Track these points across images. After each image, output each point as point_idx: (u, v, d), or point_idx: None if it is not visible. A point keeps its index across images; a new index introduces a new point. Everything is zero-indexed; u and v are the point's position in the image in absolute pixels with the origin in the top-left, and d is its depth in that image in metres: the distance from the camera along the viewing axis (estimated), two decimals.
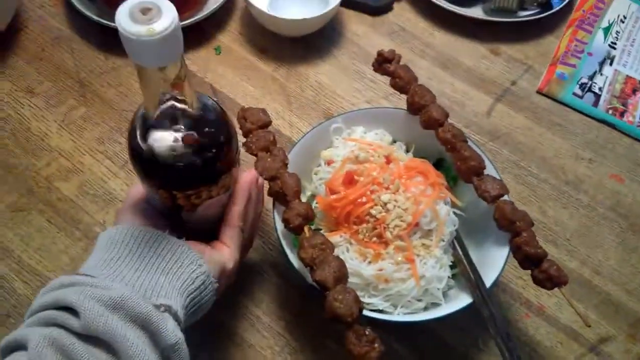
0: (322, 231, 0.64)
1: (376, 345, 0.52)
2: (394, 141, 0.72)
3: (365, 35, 0.93)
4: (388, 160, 0.66)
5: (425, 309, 0.61)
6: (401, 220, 0.60)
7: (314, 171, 0.69)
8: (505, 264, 0.60)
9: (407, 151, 0.70)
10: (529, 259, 0.58)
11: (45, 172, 0.75)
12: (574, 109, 0.87)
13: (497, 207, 0.61)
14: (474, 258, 0.63)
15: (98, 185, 0.75)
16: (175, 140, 0.46)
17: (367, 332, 0.53)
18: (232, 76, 0.86)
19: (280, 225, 0.60)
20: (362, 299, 0.58)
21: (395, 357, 0.65)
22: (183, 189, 0.50)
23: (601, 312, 0.70)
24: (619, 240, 0.76)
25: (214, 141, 0.49)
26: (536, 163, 0.82)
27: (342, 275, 0.55)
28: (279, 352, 0.65)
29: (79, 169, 0.76)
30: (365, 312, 0.56)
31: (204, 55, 0.88)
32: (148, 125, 0.46)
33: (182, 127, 0.46)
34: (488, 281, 0.59)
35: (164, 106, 0.44)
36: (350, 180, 0.63)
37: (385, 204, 0.61)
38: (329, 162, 0.67)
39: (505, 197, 0.62)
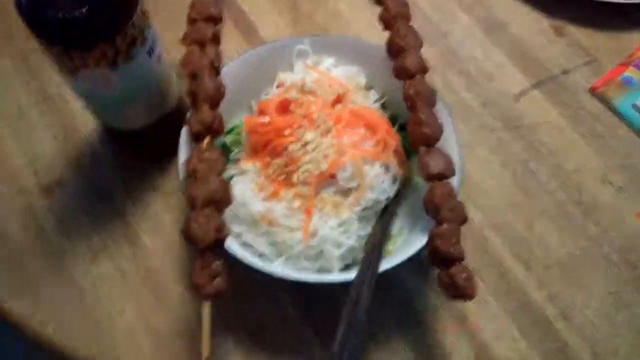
0: (238, 154, 0.57)
1: (216, 280, 0.45)
2: (370, 87, 0.61)
3: None
4: (338, 99, 0.56)
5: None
6: (315, 166, 0.51)
7: (264, 92, 0.61)
8: (414, 254, 0.49)
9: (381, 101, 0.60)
10: (439, 255, 0.46)
11: None
12: (626, 123, 0.69)
13: (430, 188, 0.49)
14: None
15: None
16: None
17: (214, 265, 0.46)
18: None
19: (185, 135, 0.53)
20: (247, 238, 0.51)
21: (288, 319, 0.57)
22: (69, 45, 0.45)
23: None
24: (611, 290, 0.60)
25: None
26: (549, 170, 0.67)
27: (217, 198, 0.48)
28: None
29: None
30: (236, 252, 0.49)
31: None
32: None
33: None
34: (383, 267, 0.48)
35: None
36: (284, 109, 0.55)
37: (307, 143, 0.52)
38: (279, 85, 0.59)
39: (450, 181, 0.50)
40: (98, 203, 0.63)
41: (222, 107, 0.55)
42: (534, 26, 0.77)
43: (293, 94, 0.56)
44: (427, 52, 0.58)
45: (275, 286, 0.56)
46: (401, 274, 0.58)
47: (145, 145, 0.63)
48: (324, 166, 0.51)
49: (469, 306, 0.58)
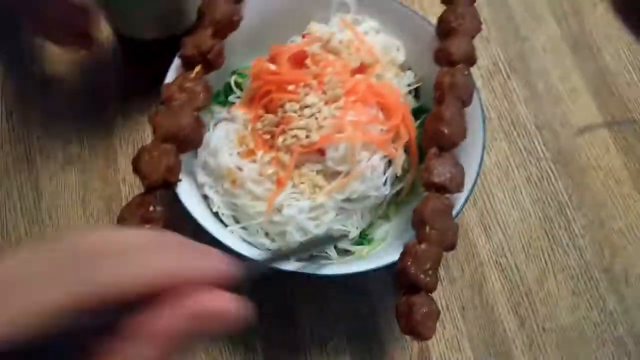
0: (234, 98, 0.51)
1: (147, 227, 0.40)
2: (408, 68, 0.53)
3: None
4: (360, 69, 0.48)
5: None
6: (305, 135, 0.44)
7: (290, 39, 0.54)
8: (383, 266, 0.42)
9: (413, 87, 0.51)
10: (404, 277, 0.38)
11: None
12: None
13: (425, 198, 0.41)
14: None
15: None
16: None
17: (152, 208, 0.40)
18: None
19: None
20: (208, 192, 0.45)
21: None
22: None
23: None
24: None
25: None
26: (587, 223, 0.56)
27: (182, 135, 0.42)
28: None
29: None
30: (186, 202, 0.43)
31: None
32: None
33: None
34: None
35: None
36: (298, 62, 0.48)
37: (306, 106, 0.45)
38: (305, 35, 0.51)
39: (451, 197, 0.42)
40: (89, 107, 0.58)
41: (237, 43, 0.49)
42: (630, 59, 0.65)
43: (314, 48, 0.48)
44: (495, 50, 0.49)
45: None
46: (368, 283, 0.51)
47: (153, 62, 0.58)
48: (315, 137, 0.43)
49: (437, 343, 0.50)
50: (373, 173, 0.45)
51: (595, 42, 0.66)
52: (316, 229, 0.44)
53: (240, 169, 0.44)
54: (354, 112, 0.45)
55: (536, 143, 0.60)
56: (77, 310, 0.20)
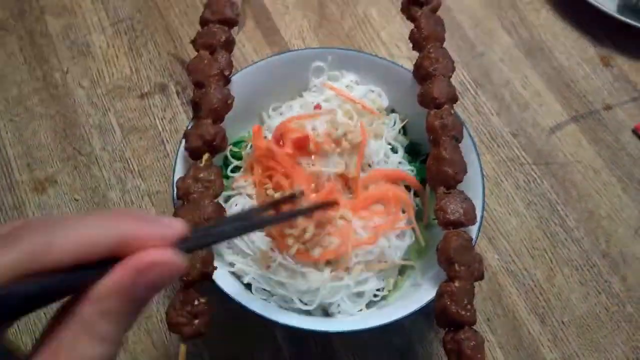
0: (236, 170, 0.53)
1: (197, 321, 0.41)
2: (392, 110, 0.56)
3: None
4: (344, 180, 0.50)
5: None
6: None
7: (273, 106, 0.56)
8: (420, 309, 0.44)
9: (400, 126, 0.55)
10: (447, 316, 0.42)
11: (43, 0, 0.70)
12: None
13: (445, 237, 0.44)
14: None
15: (81, 33, 0.68)
16: None
17: (197, 302, 0.42)
18: None
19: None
20: (241, 267, 0.47)
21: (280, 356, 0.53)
22: None
23: None
24: (632, 358, 0.55)
25: None
26: (578, 215, 0.61)
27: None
28: None
29: (73, 10, 0.70)
30: (229, 291, 0.44)
31: None
32: None
33: None
34: (386, 319, 0.44)
35: None
36: (302, 146, 0.49)
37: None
38: (317, 106, 0.53)
39: (468, 230, 0.45)
40: (91, 204, 0.59)
41: (228, 119, 0.51)
42: (579, 53, 0.70)
43: (319, 137, 0.50)
44: (460, 70, 0.52)
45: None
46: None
47: None
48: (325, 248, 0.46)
49: None
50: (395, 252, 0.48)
51: (545, 43, 0.71)
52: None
53: (272, 249, 0.46)
54: (360, 222, 0.48)
55: (515, 150, 0.64)
56: (35, 270, 0.21)
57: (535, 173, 0.63)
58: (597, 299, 0.58)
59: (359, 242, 0.46)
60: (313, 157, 0.48)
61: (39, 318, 0.54)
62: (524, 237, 0.60)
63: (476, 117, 0.66)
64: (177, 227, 0.24)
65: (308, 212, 0.39)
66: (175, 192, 0.46)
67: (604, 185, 0.63)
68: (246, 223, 0.28)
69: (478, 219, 0.47)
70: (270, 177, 0.48)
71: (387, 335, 0.54)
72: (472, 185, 0.48)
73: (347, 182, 0.49)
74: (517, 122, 0.66)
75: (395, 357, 0.54)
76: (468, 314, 0.41)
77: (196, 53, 0.50)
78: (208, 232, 0.27)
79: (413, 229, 0.50)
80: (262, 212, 0.29)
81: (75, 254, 0.22)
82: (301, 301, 0.46)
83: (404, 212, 0.50)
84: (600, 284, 0.58)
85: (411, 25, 0.53)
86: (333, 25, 0.70)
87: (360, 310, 0.48)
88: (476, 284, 0.56)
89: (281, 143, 0.49)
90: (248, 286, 0.48)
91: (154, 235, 0.23)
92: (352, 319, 0.47)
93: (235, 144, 0.55)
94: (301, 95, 0.56)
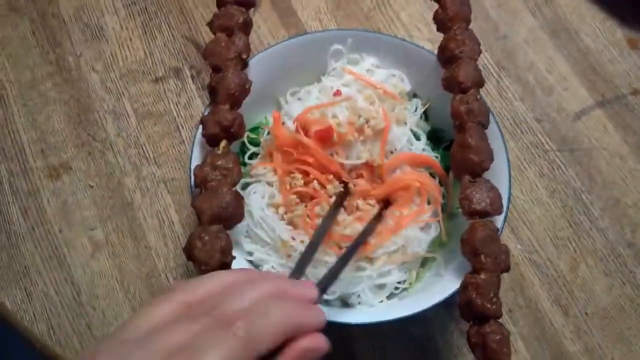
0: (254, 156, 0.51)
1: None
2: (414, 95, 0.54)
3: None
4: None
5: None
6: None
7: (290, 91, 0.55)
8: (441, 301, 0.43)
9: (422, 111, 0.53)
10: (472, 309, 0.40)
11: None
12: None
13: (470, 227, 0.43)
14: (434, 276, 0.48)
15: (94, 15, 0.67)
16: None
17: None
18: None
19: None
20: (259, 257, 0.46)
21: None
22: None
23: None
24: None
25: None
26: (604, 204, 0.59)
27: (226, 215, 0.43)
28: None
29: None
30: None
31: None
32: None
33: None
34: (407, 310, 0.43)
35: None
36: (325, 138, 0.48)
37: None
38: (336, 93, 0.52)
39: (494, 220, 0.44)
40: (106, 191, 0.58)
41: (245, 104, 0.50)
42: (605, 35, 0.68)
43: (341, 128, 0.48)
44: (482, 53, 0.50)
45: None
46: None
47: None
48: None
49: None
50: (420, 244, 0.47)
51: (571, 24, 0.68)
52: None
53: (293, 238, 0.45)
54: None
55: (540, 136, 0.62)
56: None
57: (560, 160, 0.61)
58: (622, 290, 0.56)
59: (383, 232, 0.45)
60: (336, 147, 0.46)
61: (55, 306, 0.54)
62: (547, 226, 0.58)
63: (499, 101, 0.64)
64: (315, 292, 0.35)
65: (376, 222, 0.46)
66: (192, 179, 0.45)
67: (630, 173, 0.61)
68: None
69: (504, 208, 0.45)
70: (296, 167, 0.47)
71: (407, 325, 0.53)
72: (498, 174, 0.47)
73: (371, 170, 0.47)
74: (542, 107, 0.64)
75: (415, 347, 0.53)
76: (494, 307, 0.40)
77: (212, 36, 0.49)
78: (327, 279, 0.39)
79: (438, 222, 0.48)
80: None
81: (271, 345, 0.29)
82: None
83: (429, 202, 0.48)
84: (625, 275, 0.57)
85: (433, 6, 0.51)
86: (351, 7, 0.68)
87: (381, 301, 0.47)
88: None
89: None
90: None
91: (312, 326, 0.31)
92: (374, 310, 0.46)
93: (252, 129, 0.54)
94: (319, 80, 0.54)
